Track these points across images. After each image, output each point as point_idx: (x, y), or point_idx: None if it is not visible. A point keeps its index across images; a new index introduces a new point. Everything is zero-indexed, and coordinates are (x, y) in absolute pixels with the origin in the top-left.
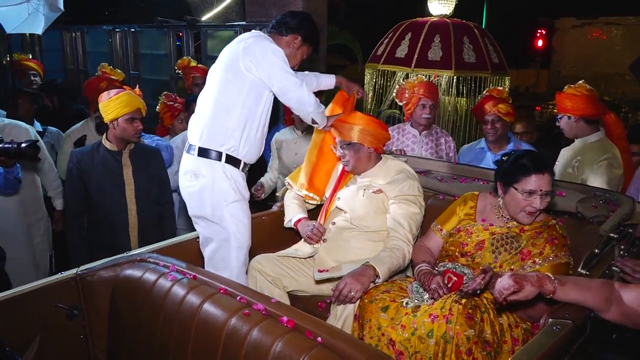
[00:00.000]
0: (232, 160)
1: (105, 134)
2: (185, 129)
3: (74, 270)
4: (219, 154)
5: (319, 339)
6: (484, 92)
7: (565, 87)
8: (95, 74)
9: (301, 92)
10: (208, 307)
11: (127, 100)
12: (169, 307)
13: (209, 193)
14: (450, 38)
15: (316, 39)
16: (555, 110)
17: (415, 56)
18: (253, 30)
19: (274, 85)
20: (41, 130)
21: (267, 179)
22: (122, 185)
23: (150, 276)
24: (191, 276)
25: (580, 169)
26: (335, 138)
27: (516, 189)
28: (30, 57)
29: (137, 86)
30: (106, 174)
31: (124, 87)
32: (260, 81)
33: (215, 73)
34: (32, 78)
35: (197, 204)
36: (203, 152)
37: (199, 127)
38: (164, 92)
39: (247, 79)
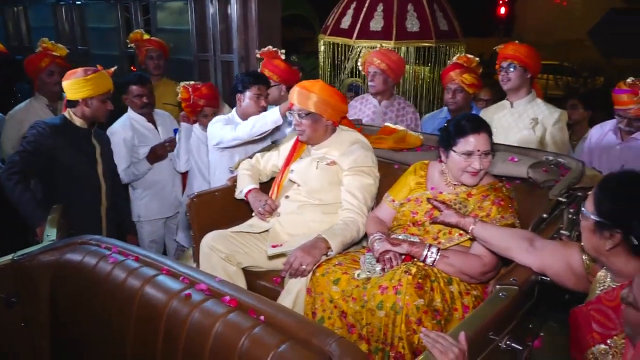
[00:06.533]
0: None
1: (69, 110)
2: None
3: (10, 256)
4: None
5: (262, 317)
6: (454, 58)
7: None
8: (36, 51)
9: (230, 136)
10: (149, 289)
11: (105, 80)
12: (109, 291)
13: None
14: (393, 6)
15: (255, 76)
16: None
17: (358, 27)
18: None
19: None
20: None
21: None
22: (95, 164)
23: (90, 259)
24: (133, 257)
25: (539, 129)
26: (292, 104)
27: (455, 152)
28: None
29: (99, 66)
30: (81, 153)
31: (98, 66)
32: None
33: None
34: None
35: None
36: None
37: None
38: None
39: None
